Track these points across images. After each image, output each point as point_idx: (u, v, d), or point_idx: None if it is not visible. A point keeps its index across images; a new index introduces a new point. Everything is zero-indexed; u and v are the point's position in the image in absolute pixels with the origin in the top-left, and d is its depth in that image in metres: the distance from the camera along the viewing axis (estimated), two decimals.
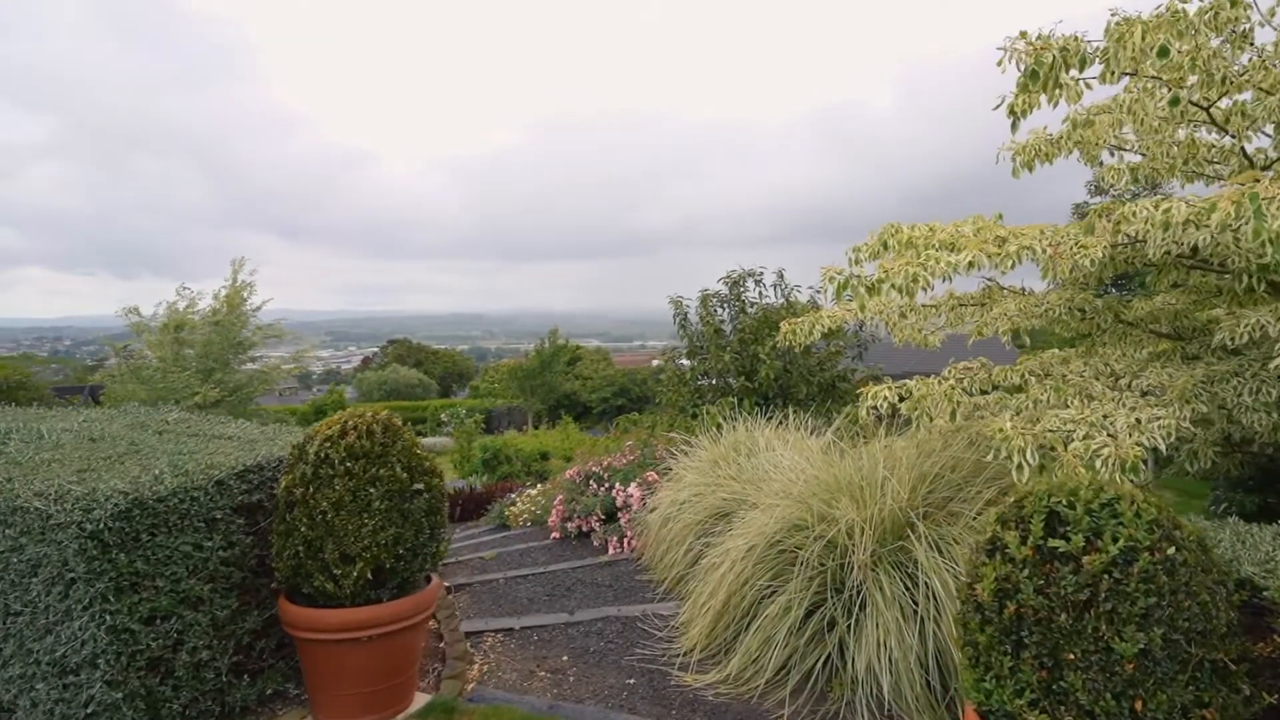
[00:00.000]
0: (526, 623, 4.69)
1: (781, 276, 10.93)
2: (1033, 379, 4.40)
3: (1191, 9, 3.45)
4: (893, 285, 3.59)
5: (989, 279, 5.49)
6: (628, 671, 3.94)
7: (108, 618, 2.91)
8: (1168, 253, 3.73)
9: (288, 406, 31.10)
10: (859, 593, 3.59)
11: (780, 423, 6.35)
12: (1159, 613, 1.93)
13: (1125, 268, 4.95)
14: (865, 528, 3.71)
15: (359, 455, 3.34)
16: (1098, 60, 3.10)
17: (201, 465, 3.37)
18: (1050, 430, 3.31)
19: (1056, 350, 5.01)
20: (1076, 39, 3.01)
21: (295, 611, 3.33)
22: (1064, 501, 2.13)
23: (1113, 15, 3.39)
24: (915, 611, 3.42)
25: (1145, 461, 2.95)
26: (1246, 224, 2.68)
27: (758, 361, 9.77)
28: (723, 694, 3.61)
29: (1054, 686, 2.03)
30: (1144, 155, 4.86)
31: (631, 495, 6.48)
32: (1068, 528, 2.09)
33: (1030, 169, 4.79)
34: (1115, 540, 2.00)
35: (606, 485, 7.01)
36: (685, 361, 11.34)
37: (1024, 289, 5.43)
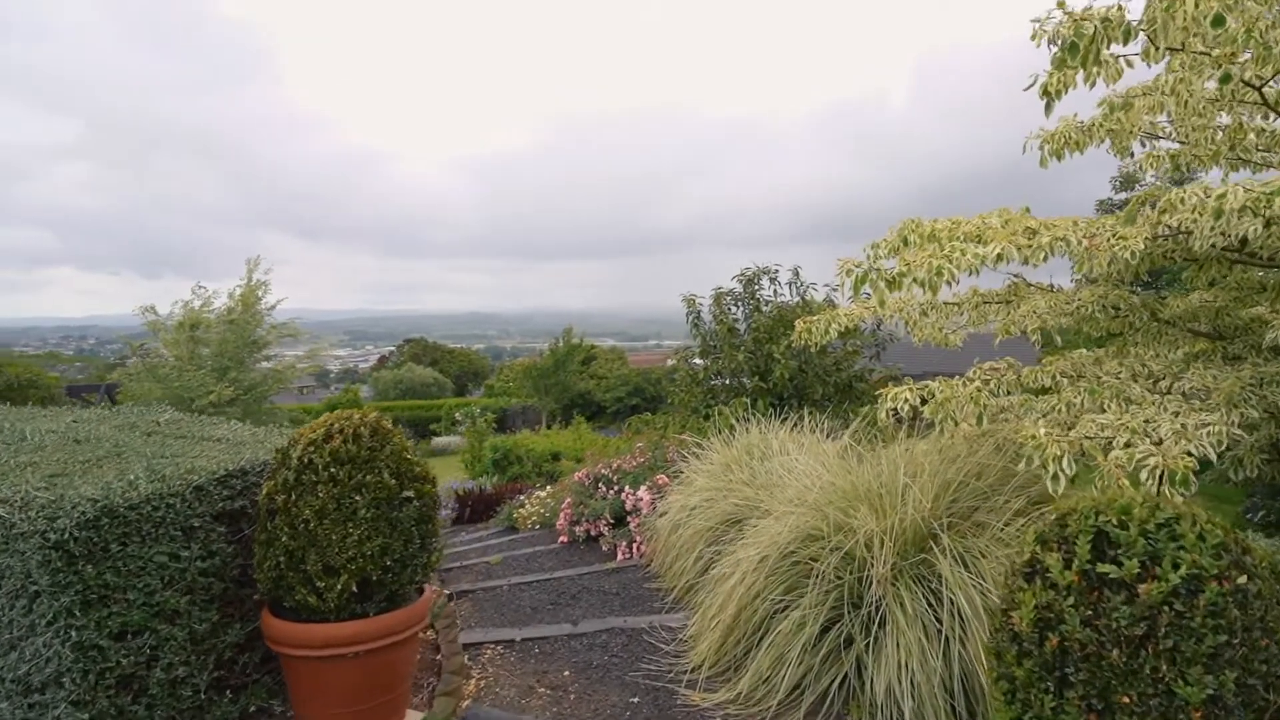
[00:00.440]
0: (528, 634, 4.48)
1: (797, 274, 10.65)
2: (1064, 380, 4.13)
3: None
4: (915, 279, 3.35)
5: (1015, 275, 5.23)
6: (632, 689, 3.72)
7: (73, 633, 2.72)
8: (1214, 245, 3.46)
9: (304, 405, 31.23)
10: (878, 609, 3.35)
11: (795, 424, 6.11)
12: (1230, 653, 1.68)
13: (1163, 263, 4.66)
14: (885, 539, 3.47)
15: (344, 460, 3.14)
16: (1142, 33, 2.84)
17: (181, 470, 3.18)
18: (1088, 437, 3.05)
19: (1085, 350, 4.73)
20: (1120, 8, 2.76)
21: (277, 626, 3.13)
22: (1114, 520, 1.88)
23: None
24: (939, 630, 3.18)
25: (1195, 473, 2.69)
26: None
27: (772, 361, 9.51)
28: (732, 715, 3.39)
29: None
30: (1183, 143, 4.58)
31: (641, 499, 6.27)
32: (1119, 551, 1.84)
33: (1060, 158, 4.52)
34: (1176, 567, 1.75)
35: (616, 488, 6.80)
36: (699, 361, 11.10)
37: (1052, 285, 5.16)
